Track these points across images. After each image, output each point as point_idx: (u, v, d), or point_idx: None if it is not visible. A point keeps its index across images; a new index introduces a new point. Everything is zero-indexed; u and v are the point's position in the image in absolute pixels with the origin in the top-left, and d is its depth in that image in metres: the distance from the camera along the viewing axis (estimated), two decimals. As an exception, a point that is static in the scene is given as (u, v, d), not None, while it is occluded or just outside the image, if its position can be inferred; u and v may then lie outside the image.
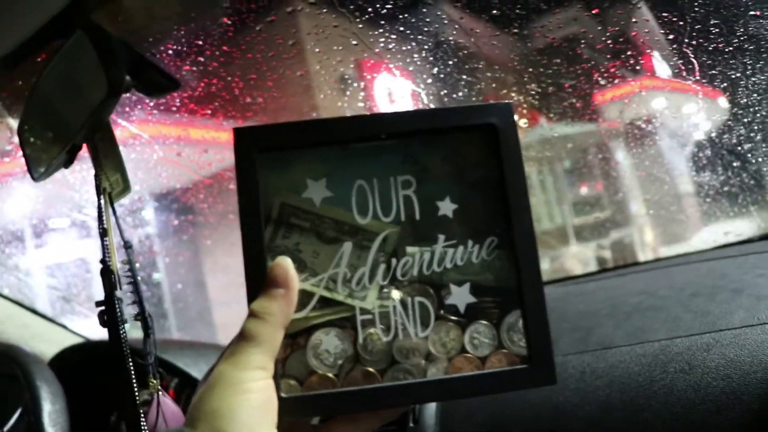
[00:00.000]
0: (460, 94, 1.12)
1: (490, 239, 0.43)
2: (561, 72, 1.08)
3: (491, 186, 0.44)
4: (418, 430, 0.73)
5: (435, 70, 1.05)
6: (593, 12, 0.98)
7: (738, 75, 0.97)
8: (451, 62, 1.03)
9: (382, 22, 0.92)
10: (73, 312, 1.61)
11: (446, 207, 0.44)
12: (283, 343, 0.40)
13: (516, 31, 0.98)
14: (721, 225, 1.26)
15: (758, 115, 1.02)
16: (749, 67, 0.95)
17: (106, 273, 0.57)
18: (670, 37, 0.95)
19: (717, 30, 0.91)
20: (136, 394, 0.57)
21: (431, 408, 0.75)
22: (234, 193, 0.43)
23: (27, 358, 0.93)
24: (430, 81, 1.09)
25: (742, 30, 0.91)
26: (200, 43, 0.89)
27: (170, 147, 1.32)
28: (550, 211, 2.45)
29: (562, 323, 0.78)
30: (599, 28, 1.00)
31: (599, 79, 1.10)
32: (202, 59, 0.95)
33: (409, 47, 0.98)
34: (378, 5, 0.87)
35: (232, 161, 0.43)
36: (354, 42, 0.93)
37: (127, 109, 1.07)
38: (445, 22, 0.96)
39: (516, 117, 0.45)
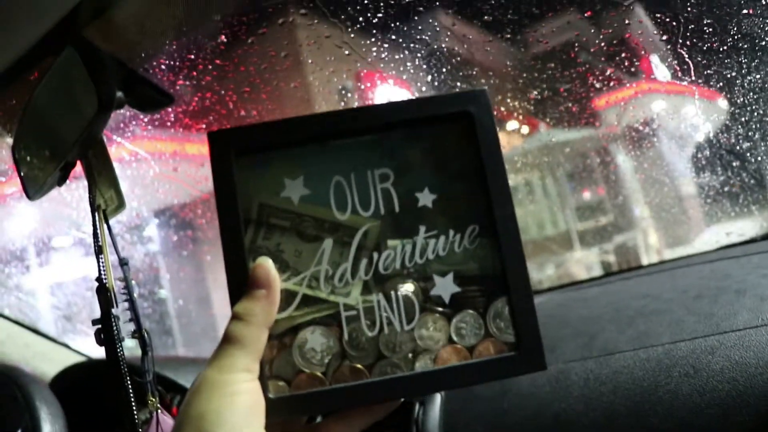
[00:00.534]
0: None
1: (472, 227, 0.43)
2: (556, 77, 1.08)
3: (470, 174, 0.43)
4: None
5: (429, 77, 1.05)
6: (587, 15, 0.98)
7: (734, 74, 0.96)
8: (444, 69, 1.03)
9: (375, 32, 0.92)
10: (75, 331, 1.60)
11: (425, 198, 0.43)
12: (269, 344, 0.40)
13: (509, 36, 0.98)
14: (723, 225, 1.25)
15: (756, 113, 1.02)
16: (744, 66, 0.95)
17: (102, 291, 0.57)
18: (664, 38, 0.95)
19: (711, 29, 0.91)
20: (135, 412, 0.56)
21: (434, 419, 0.74)
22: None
23: (26, 379, 0.92)
24: (425, 89, 1.09)
25: (735, 29, 0.91)
26: (193, 57, 0.90)
27: (166, 162, 1.32)
28: (553, 217, 2.45)
29: (565, 329, 0.77)
30: (593, 31, 1.00)
31: (595, 83, 1.10)
32: (195, 73, 0.95)
33: (402, 56, 0.98)
34: (370, 14, 0.87)
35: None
36: (347, 52, 0.93)
37: (123, 125, 1.07)
38: (438, 29, 0.96)
39: (496, 108, 0.44)
